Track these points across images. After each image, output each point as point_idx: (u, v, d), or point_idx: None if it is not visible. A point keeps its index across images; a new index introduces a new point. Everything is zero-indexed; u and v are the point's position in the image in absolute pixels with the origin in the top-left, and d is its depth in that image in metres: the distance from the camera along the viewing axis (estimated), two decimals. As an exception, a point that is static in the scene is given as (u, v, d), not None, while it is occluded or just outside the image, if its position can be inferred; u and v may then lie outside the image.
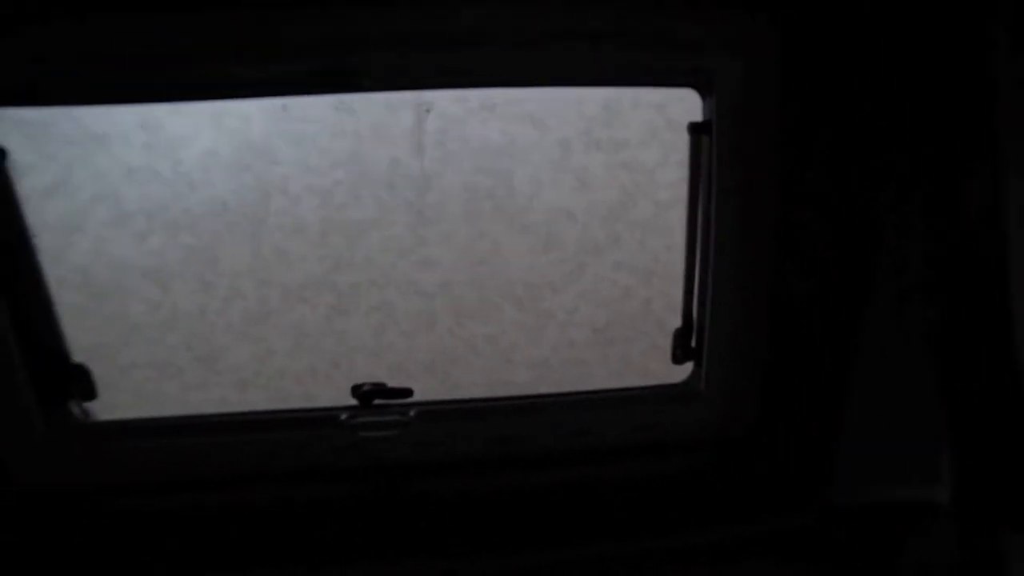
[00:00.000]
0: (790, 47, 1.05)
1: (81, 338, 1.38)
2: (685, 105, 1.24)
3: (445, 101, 1.99)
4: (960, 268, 1.04)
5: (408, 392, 1.26)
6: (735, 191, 1.15)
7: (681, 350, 1.30)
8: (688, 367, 1.34)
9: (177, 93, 1.21)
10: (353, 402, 1.27)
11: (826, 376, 1.21)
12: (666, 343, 1.33)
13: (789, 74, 1.07)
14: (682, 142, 1.24)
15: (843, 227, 1.16)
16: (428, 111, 1.99)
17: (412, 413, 1.23)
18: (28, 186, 1.74)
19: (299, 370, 2.03)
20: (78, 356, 1.31)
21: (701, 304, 1.24)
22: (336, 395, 1.36)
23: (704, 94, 1.16)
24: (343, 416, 1.22)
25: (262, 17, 0.99)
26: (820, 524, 1.19)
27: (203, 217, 1.98)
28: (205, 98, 1.52)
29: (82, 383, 1.27)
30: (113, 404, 1.44)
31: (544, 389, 2.00)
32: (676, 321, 1.31)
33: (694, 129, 1.17)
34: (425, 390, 1.33)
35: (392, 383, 1.28)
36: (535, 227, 2.03)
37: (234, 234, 1.99)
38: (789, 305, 1.20)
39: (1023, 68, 0.87)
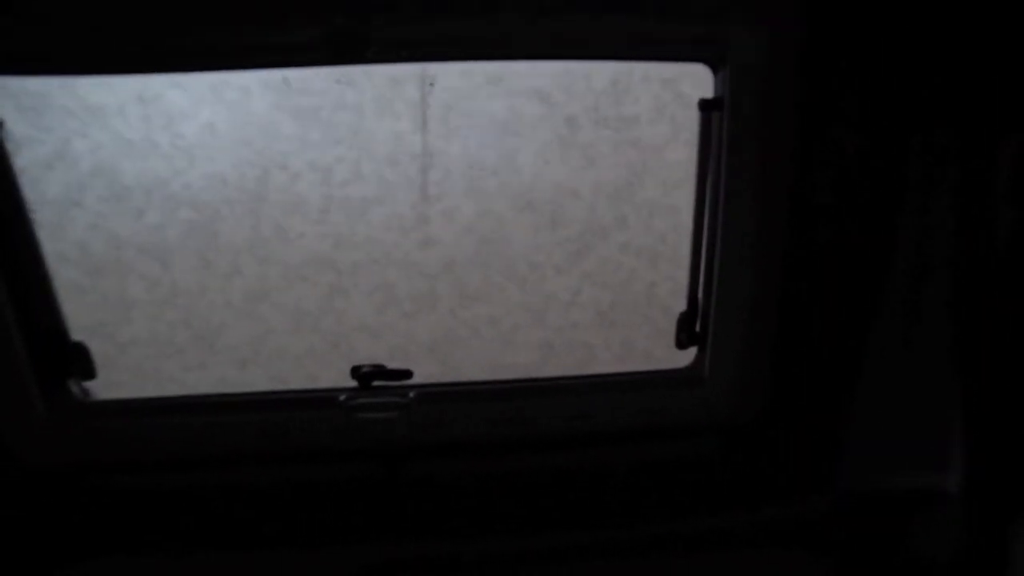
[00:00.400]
0: (811, 16, 1.01)
1: (80, 315, 1.37)
2: (696, 80, 1.20)
3: (450, 74, 1.94)
4: (982, 258, 1.01)
5: (408, 374, 1.25)
6: (746, 171, 1.12)
7: (685, 335, 1.28)
8: (692, 352, 1.32)
9: (177, 63, 1.18)
10: (352, 383, 1.26)
11: (836, 364, 1.19)
12: (671, 327, 1.31)
13: (809, 47, 1.02)
14: (692, 119, 1.21)
15: (860, 212, 1.12)
16: (431, 84, 1.95)
17: (411, 395, 1.21)
18: (25, 159, 1.72)
19: (299, 350, 2.02)
20: (77, 334, 1.30)
21: (707, 288, 1.22)
22: (336, 376, 1.35)
23: (716, 69, 1.12)
24: (342, 398, 1.21)
25: None
26: (827, 511, 1.18)
27: (202, 192, 1.95)
28: (206, 69, 1.49)
29: (81, 362, 1.26)
30: (113, 382, 1.44)
31: (547, 372, 1.99)
32: (681, 305, 1.29)
33: (705, 106, 1.14)
34: (426, 372, 1.32)
35: (392, 364, 1.27)
36: (540, 206, 2.00)
37: (234, 210, 1.97)
38: (799, 291, 1.18)
39: None
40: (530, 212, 2.00)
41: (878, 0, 0.99)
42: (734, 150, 1.11)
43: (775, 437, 1.24)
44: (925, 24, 0.97)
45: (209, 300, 2.00)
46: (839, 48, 1.03)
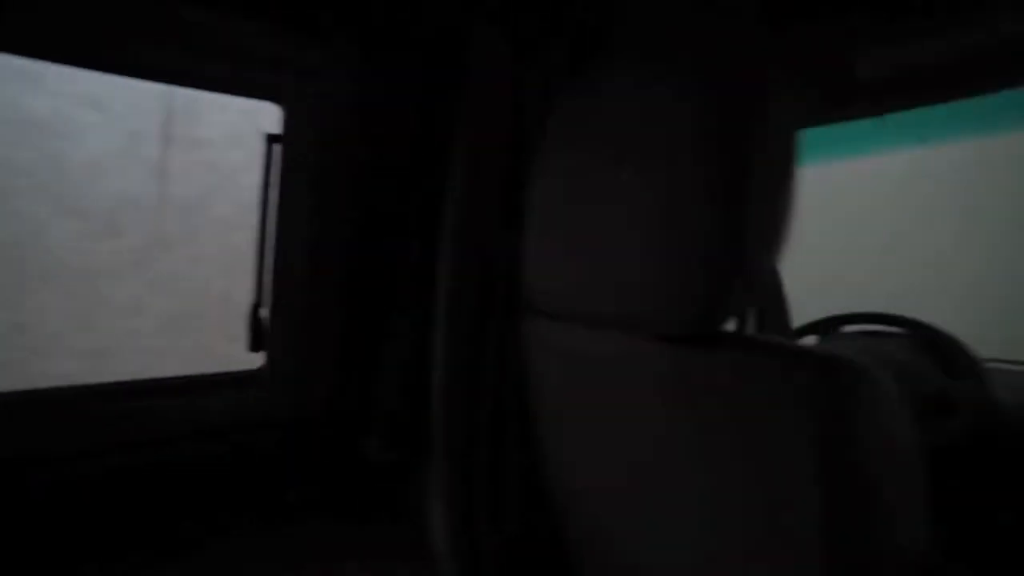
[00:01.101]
0: (361, 69, 1.23)
1: None
2: (273, 116, 1.29)
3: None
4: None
5: None
6: (300, 198, 1.27)
7: (253, 339, 1.39)
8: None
9: None
10: None
11: (369, 364, 1.47)
12: (243, 332, 1.42)
13: (357, 94, 1.27)
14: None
15: (400, 235, 1.42)
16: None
17: None
18: None
19: None
20: None
21: (272, 299, 1.38)
22: None
23: (281, 107, 1.26)
24: None
25: None
26: (357, 483, 1.44)
27: None
28: None
29: None
30: None
31: (105, 378, 1.82)
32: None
33: (269, 138, 1.25)
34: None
35: None
36: (93, 213, 1.88)
37: None
38: (354, 303, 1.41)
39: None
40: (79, 218, 1.85)
41: (418, 54, 1.30)
42: (289, 179, 1.24)
43: (328, 428, 1.44)
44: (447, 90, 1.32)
45: None
46: (383, 97, 1.22)
